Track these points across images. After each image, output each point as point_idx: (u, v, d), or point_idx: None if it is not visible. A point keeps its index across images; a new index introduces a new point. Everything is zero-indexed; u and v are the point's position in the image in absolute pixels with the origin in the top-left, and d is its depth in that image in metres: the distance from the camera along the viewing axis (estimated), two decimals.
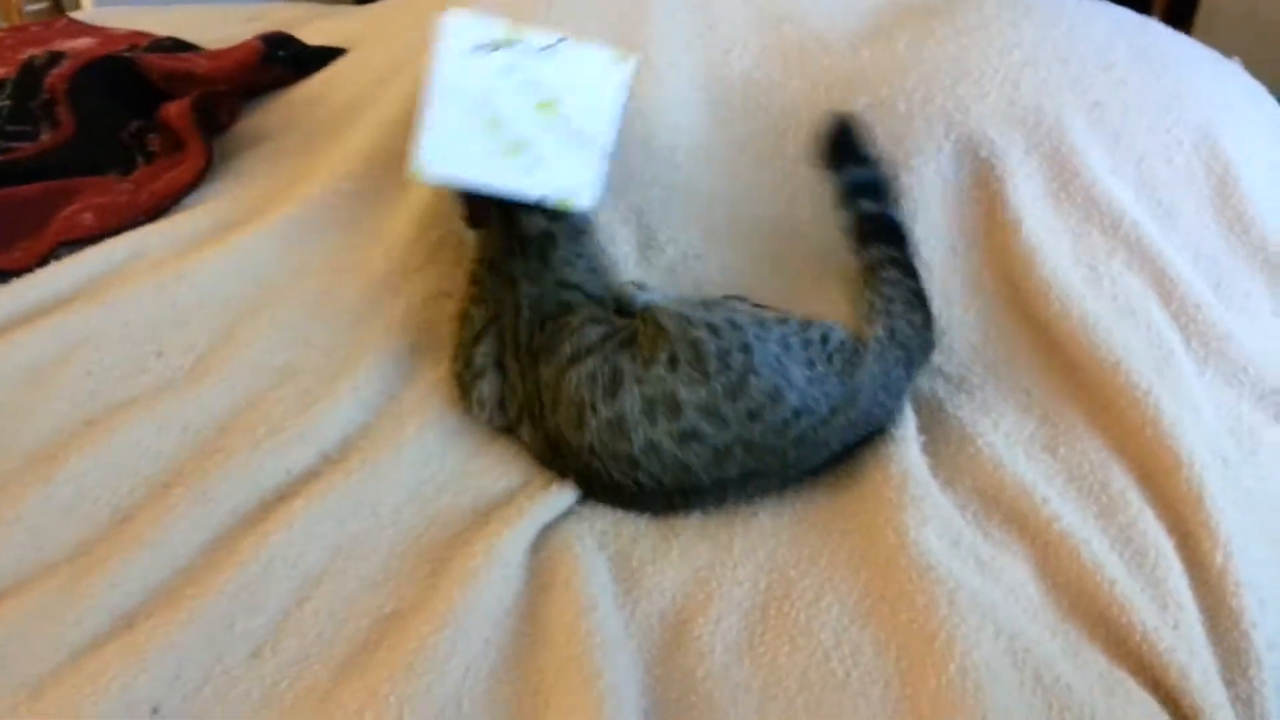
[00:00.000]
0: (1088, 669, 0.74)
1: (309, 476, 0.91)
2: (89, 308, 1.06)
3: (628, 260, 1.18)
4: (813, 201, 1.19)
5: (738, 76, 1.34)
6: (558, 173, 0.99)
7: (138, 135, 1.43)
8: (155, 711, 0.73)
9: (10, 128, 1.48)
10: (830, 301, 1.09)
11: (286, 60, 1.59)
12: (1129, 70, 1.20)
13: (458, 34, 0.93)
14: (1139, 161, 1.14)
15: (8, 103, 1.52)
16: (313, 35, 1.63)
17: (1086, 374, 0.96)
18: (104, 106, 1.46)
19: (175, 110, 1.38)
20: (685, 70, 1.35)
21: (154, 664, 0.74)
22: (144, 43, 1.78)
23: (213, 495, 0.88)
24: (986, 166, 1.12)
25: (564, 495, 0.90)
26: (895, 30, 1.29)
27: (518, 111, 0.96)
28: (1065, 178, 1.11)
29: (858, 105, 1.23)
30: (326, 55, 1.61)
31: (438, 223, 1.18)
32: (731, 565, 0.83)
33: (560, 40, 0.95)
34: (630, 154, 1.27)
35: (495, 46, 0.94)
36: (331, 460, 0.93)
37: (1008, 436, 0.92)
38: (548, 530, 0.87)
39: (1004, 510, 0.86)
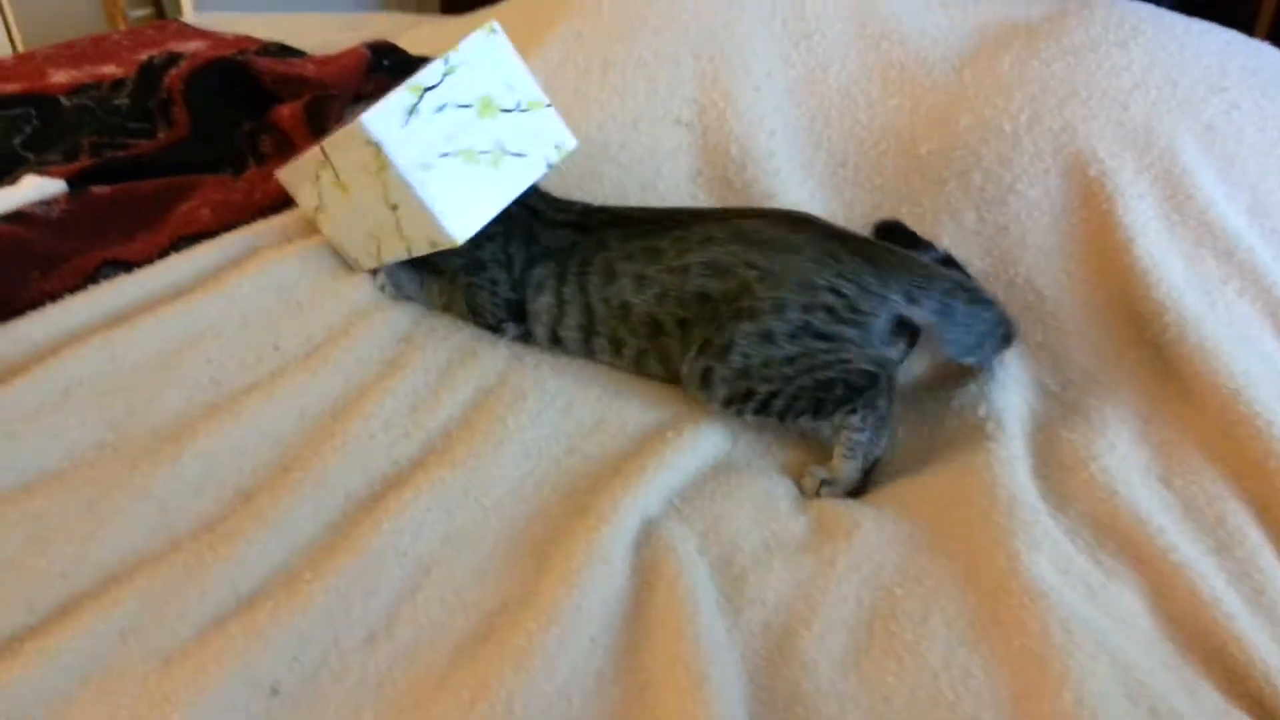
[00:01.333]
0: (1204, 706, 0.73)
1: (416, 467, 0.94)
2: (209, 299, 1.10)
3: None
4: (912, 219, 1.19)
5: (835, 92, 1.35)
6: (538, 142, 1.06)
7: (250, 136, 1.48)
8: (274, 691, 0.75)
9: (131, 124, 1.54)
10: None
11: (390, 69, 1.63)
12: (1241, 93, 1.18)
13: (386, 125, 0.97)
14: (1253, 187, 1.12)
15: (127, 101, 1.59)
16: (407, 44, 1.68)
17: (1205, 401, 0.94)
18: (218, 107, 1.51)
19: (288, 113, 1.43)
20: (782, 83, 1.36)
21: (275, 645, 0.77)
22: (253, 47, 1.85)
23: (329, 480, 0.91)
24: (1096, 186, 1.11)
25: (657, 491, 0.91)
26: (998, 50, 1.29)
27: (471, 130, 1.01)
28: (1178, 200, 1.09)
29: (960, 126, 1.23)
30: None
31: None
32: (835, 580, 0.83)
33: (443, 62, 1.01)
34: (727, 161, 1.29)
35: (414, 106, 0.99)
36: (437, 452, 0.96)
37: (1122, 462, 0.91)
38: (648, 525, 0.88)
39: (1117, 539, 0.85)
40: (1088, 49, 1.23)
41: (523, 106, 1.05)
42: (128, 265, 1.17)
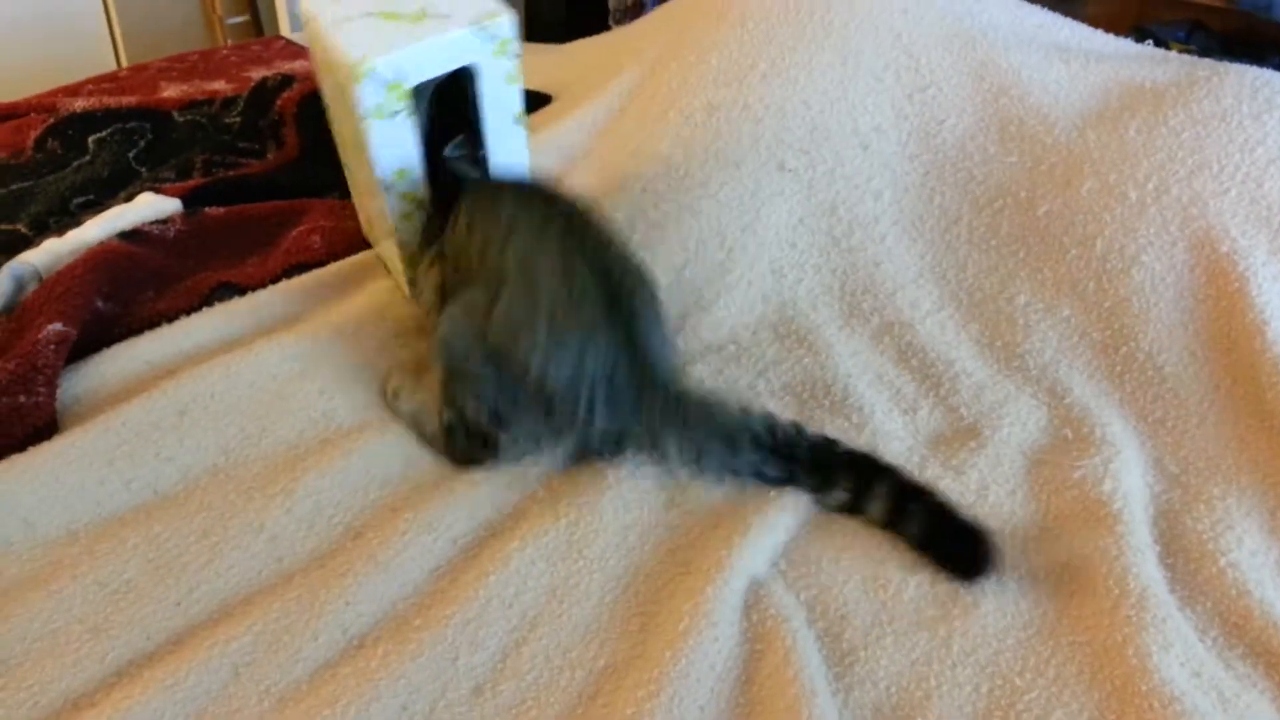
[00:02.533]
0: None
1: (519, 516, 0.94)
2: (321, 329, 1.11)
3: (829, 326, 1.17)
4: (1031, 286, 1.17)
5: (951, 147, 1.33)
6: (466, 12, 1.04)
7: None
8: None
9: (241, 144, 1.57)
10: (1040, 394, 1.06)
11: None
12: None
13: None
14: None
15: (238, 120, 1.62)
16: None
17: None
18: (328, 132, 1.53)
19: None
20: (894, 137, 1.34)
21: (385, 693, 0.76)
22: None
23: (436, 524, 0.91)
24: (1226, 263, 1.08)
25: (762, 551, 0.89)
26: (1122, 113, 1.26)
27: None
28: None
29: (1082, 189, 1.21)
30: (533, 101, 1.66)
31: None
32: (950, 663, 0.80)
33: None
34: (833, 220, 1.28)
35: None
36: (539, 501, 0.95)
37: (1252, 557, 0.87)
38: (755, 587, 0.86)
39: (1249, 641, 0.81)
40: (1218, 119, 1.19)
41: None
42: (241, 289, 1.20)
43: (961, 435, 1.02)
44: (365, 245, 1.29)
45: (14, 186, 1.45)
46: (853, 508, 0.93)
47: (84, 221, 1.29)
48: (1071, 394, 1.05)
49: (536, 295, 0.92)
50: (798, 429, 0.96)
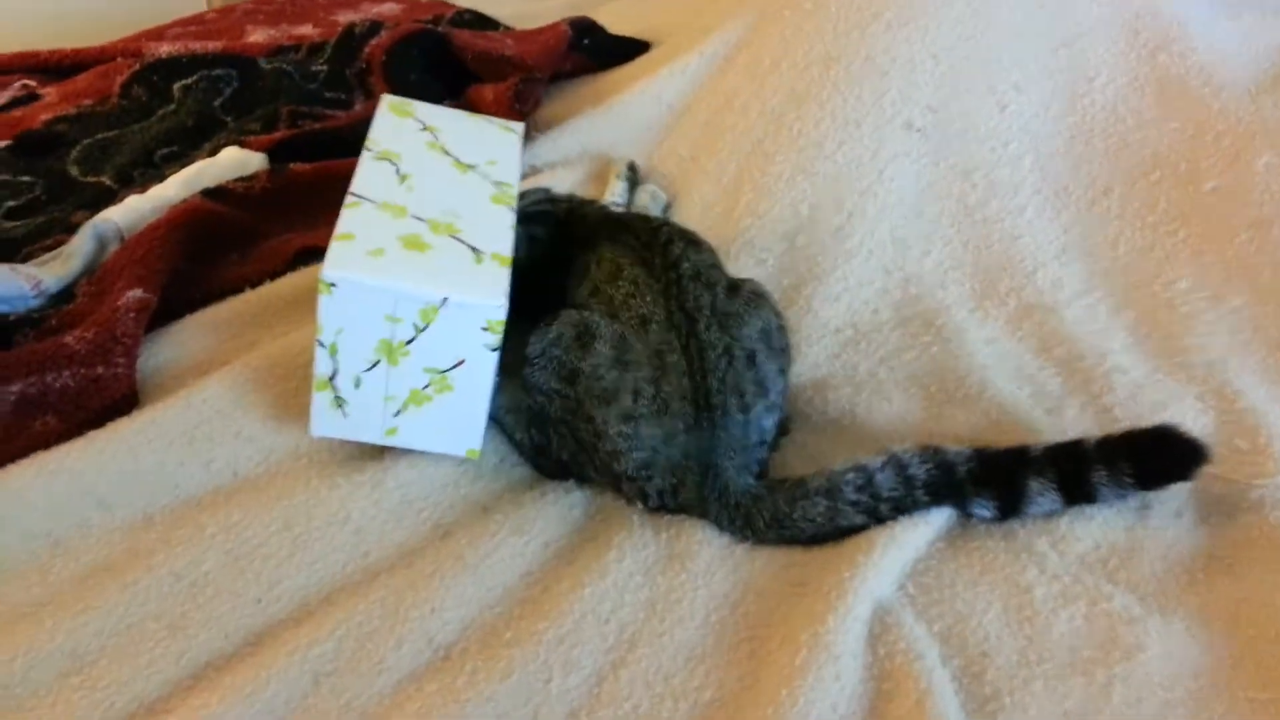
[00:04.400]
0: None
1: (615, 522, 0.86)
2: None
3: (960, 308, 1.06)
4: (1194, 270, 1.03)
5: (1101, 109, 1.19)
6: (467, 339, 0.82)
7: None
8: None
9: (327, 94, 1.51)
10: (1206, 395, 0.93)
11: (590, 48, 1.55)
12: None
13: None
14: None
15: (324, 68, 1.55)
16: (607, 21, 1.58)
17: None
18: (417, 82, 1.46)
19: (491, 96, 1.36)
20: (1036, 97, 1.21)
21: (473, 713, 0.70)
22: (448, 13, 1.79)
23: (528, 526, 0.84)
24: None
25: (887, 571, 0.80)
26: None
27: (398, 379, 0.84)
28: None
29: (1258, 164, 1.06)
30: (628, 48, 1.56)
31: None
32: (1110, 716, 0.70)
33: (318, 344, 0.83)
34: (966, 187, 1.15)
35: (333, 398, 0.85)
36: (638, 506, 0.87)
37: None
38: (880, 614, 0.77)
39: None
40: None
41: (419, 325, 0.81)
42: (324, 254, 1.13)
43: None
44: None
45: (100, 136, 1.40)
46: (1012, 513, 0.83)
47: (167, 176, 1.24)
48: (1244, 398, 0.92)
49: (629, 358, 0.83)
50: (900, 469, 0.83)
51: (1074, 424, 0.92)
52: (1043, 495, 0.82)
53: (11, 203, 1.26)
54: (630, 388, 0.82)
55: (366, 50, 1.50)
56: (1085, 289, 1.06)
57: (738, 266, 1.09)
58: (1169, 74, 1.18)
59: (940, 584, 0.80)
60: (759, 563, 0.82)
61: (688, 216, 1.16)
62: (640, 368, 0.82)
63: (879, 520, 0.81)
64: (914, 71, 1.22)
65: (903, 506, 0.81)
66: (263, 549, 0.80)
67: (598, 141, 1.34)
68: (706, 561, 0.81)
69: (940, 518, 0.83)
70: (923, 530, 0.82)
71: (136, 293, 0.98)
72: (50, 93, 1.53)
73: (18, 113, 1.47)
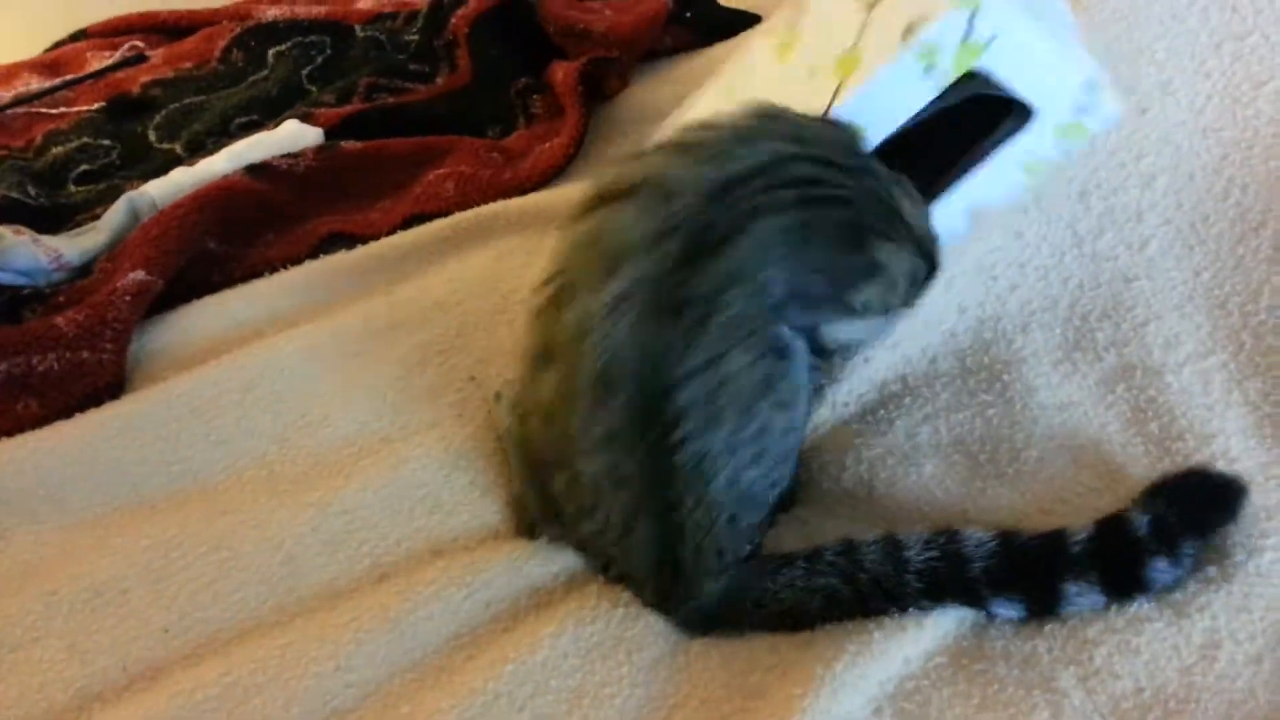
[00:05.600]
0: None
1: (572, 589, 0.75)
2: (420, 297, 0.98)
3: (1040, 361, 0.87)
4: None
5: (1268, 123, 0.96)
6: None
7: (523, 94, 1.34)
8: None
9: (413, 66, 1.45)
10: None
11: (694, 20, 1.42)
12: None
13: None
14: None
15: (417, 37, 1.49)
16: None
17: None
18: (499, 56, 1.38)
19: (562, 75, 1.27)
20: (1186, 100, 0.99)
21: None
22: None
23: (472, 580, 0.74)
24: None
25: (861, 685, 0.65)
26: None
27: None
28: None
29: None
30: (737, 20, 1.42)
31: None
32: None
33: None
34: (1080, 209, 0.96)
35: None
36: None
37: None
38: None
39: None
40: None
41: None
42: (354, 239, 1.08)
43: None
44: (502, 194, 1.13)
45: (187, 101, 1.41)
46: (1045, 612, 0.67)
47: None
48: None
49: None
50: (895, 549, 0.68)
51: None
52: (1082, 596, 0.66)
53: (86, 166, 1.28)
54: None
55: (453, 20, 1.43)
56: (1205, 350, 0.85)
57: None
58: None
59: (925, 715, 0.65)
60: (714, 664, 0.69)
61: None
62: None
63: (858, 592, 0.67)
64: None
65: (889, 590, 0.67)
66: (186, 571, 0.75)
67: None
68: (654, 655, 0.69)
69: (947, 622, 0.68)
70: (915, 636, 0.67)
71: (138, 275, 0.95)
72: (158, 55, 1.56)
73: (121, 74, 1.50)
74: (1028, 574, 0.67)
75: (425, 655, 0.70)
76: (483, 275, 1.01)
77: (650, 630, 0.71)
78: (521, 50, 1.38)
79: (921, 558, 0.67)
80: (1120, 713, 0.63)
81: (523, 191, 1.13)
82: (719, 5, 1.45)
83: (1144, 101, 1.00)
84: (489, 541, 0.78)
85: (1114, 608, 0.67)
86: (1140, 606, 0.68)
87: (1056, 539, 0.67)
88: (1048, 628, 0.68)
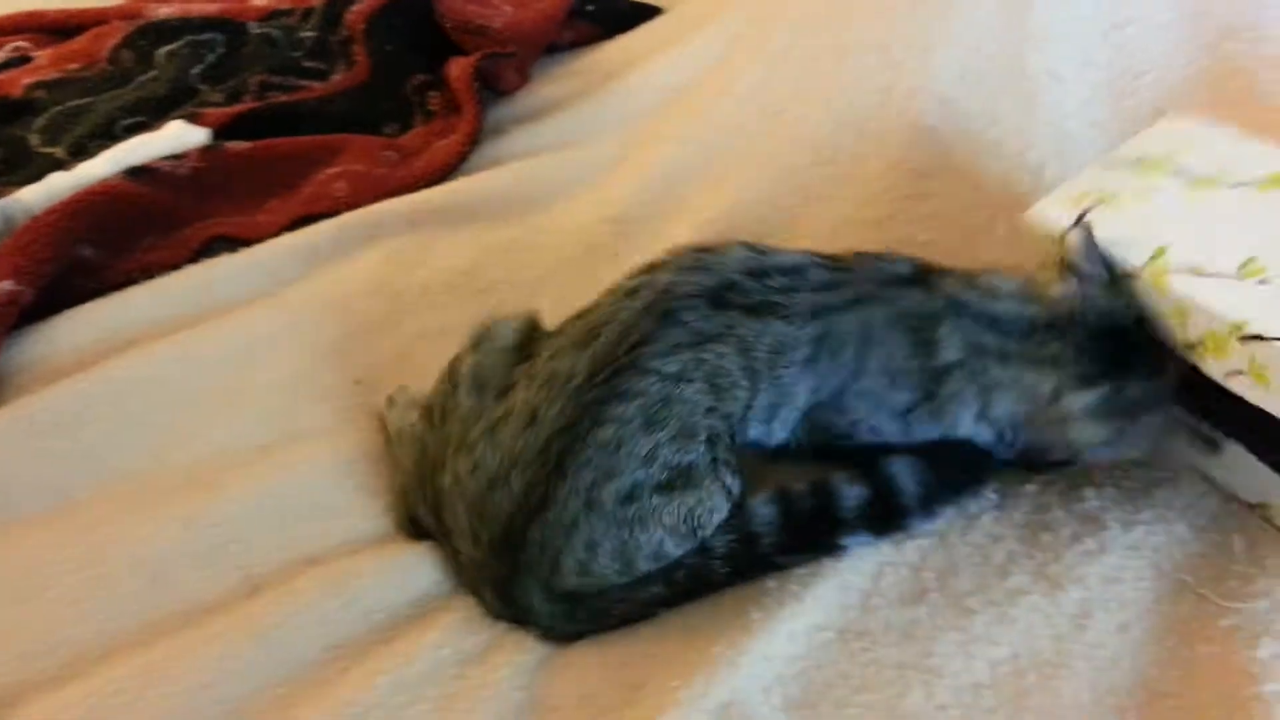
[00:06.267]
0: None
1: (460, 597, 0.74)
2: (305, 302, 0.96)
3: None
4: None
5: (1149, 106, 0.98)
6: None
7: (420, 91, 1.31)
8: None
9: (308, 63, 1.41)
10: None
11: (595, 15, 1.41)
12: None
13: None
14: None
15: (312, 34, 1.46)
16: None
17: None
18: (397, 53, 1.35)
19: (456, 71, 1.25)
20: (1075, 90, 1.00)
21: None
22: None
23: (351, 589, 0.73)
24: None
25: (742, 673, 0.66)
26: None
27: None
28: None
29: None
30: (639, 13, 1.41)
31: None
32: None
33: None
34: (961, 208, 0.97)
35: None
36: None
37: None
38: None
39: None
40: None
41: None
42: (238, 243, 1.05)
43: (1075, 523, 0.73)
44: (396, 193, 1.11)
45: (71, 104, 1.35)
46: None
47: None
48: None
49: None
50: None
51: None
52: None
53: None
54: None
55: (348, 17, 1.40)
56: None
57: None
58: (1236, 66, 0.96)
59: (807, 698, 0.65)
60: (594, 660, 0.68)
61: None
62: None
63: (675, 590, 0.69)
64: (930, 56, 1.05)
65: (703, 579, 0.70)
66: (48, 593, 0.72)
67: (597, 125, 1.21)
68: (539, 657, 0.68)
69: (830, 593, 0.69)
70: (795, 611, 0.68)
71: (6, 285, 0.92)
72: (44, 56, 1.50)
73: (4, 76, 1.44)
74: (807, 533, 0.71)
75: (297, 669, 0.68)
76: (372, 276, 0.99)
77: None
78: (420, 47, 1.35)
79: (722, 543, 0.70)
80: (996, 677, 0.64)
81: (417, 189, 1.11)
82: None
83: (1032, 89, 1.01)
84: (370, 549, 0.76)
85: (993, 579, 0.69)
86: (1019, 579, 0.70)
87: (827, 501, 0.71)
88: (930, 596, 0.70)
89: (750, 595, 0.70)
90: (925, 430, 0.73)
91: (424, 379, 0.86)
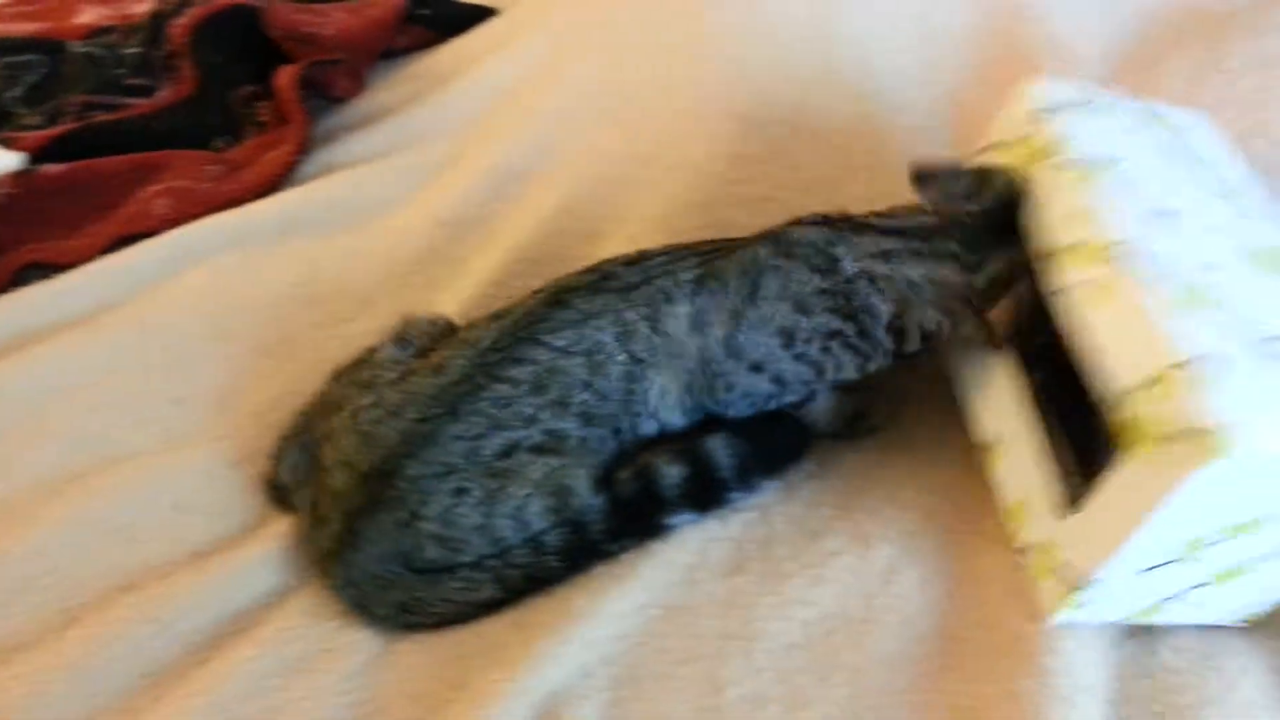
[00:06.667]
0: None
1: (286, 605, 0.73)
2: (124, 323, 0.93)
3: None
4: None
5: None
6: None
7: (248, 102, 1.29)
8: None
9: (132, 80, 1.37)
10: None
11: (432, 20, 1.40)
12: None
13: None
14: None
15: (137, 50, 1.41)
16: None
17: None
18: (224, 65, 1.32)
19: (283, 80, 1.23)
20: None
21: None
22: None
23: (169, 610, 0.72)
24: None
25: (564, 661, 0.68)
26: (1166, 52, 0.94)
27: None
28: None
29: None
30: (473, 15, 1.41)
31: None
32: None
33: None
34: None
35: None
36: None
37: None
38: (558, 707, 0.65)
39: None
40: None
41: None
42: (53, 268, 1.01)
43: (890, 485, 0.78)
44: (223, 208, 1.09)
45: None
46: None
47: None
48: None
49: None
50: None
51: None
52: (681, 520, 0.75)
53: None
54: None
55: (170, 30, 1.37)
56: None
57: None
58: (1027, 44, 1.02)
59: (632, 675, 0.67)
60: (421, 659, 0.69)
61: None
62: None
63: (510, 590, 0.72)
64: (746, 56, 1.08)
65: (540, 577, 0.72)
66: None
67: (430, 129, 1.21)
68: (364, 659, 0.69)
69: (656, 570, 0.72)
70: (622, 591, 0.71)
71: None
72: None
73: None
74: (634, 516, 0.74)
75: (110, 700, 0.67)
76: (195, 294, 0.97)
77: (361, 635, 0.70)
78: (248, 58, 1.32)
79: (553, 537, 0.72)
80: (809, 637, 0.68)
81: (246, 203, 1.09)
82: (455, 2, 1.44)
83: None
84: (188, 568, 0.75)
85: (809, 544, 0.72)
86: (833, 542, 0.73)
87: (649, 483, 0.74)
88: (751, 565, 0.73)
89: (579, 583, 0.72)
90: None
91: (253, 395, 0.86)
